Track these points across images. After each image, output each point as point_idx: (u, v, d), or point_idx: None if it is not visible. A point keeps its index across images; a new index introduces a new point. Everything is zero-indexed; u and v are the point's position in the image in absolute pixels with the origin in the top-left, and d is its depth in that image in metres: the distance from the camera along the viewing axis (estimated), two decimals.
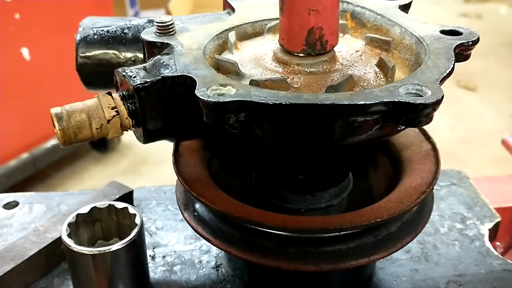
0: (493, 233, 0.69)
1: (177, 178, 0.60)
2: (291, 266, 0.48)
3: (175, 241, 0.66)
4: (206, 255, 0.64)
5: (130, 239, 0.53)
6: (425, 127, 0.41)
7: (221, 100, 0.42)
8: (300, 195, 0.55)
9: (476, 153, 2.50)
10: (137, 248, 0.54)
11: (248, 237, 0.50)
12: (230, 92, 0.43)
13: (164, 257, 0.64)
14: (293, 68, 0.50)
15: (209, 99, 0.42)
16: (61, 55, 2.45)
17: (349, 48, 0.54)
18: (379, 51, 0.53)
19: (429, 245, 0.65)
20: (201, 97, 0.42)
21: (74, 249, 0.52)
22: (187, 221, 0.54)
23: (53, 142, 2.51)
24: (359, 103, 0.41)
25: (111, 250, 0.52)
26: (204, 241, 0.65)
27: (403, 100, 0.40)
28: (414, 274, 0.61)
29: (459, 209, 0.71)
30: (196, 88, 0.44)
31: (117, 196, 0.68)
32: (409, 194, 0.51)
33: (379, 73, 0.50)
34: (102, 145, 2.85)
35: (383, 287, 0.59)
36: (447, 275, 0.61)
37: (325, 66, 0.51)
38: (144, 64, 0.49)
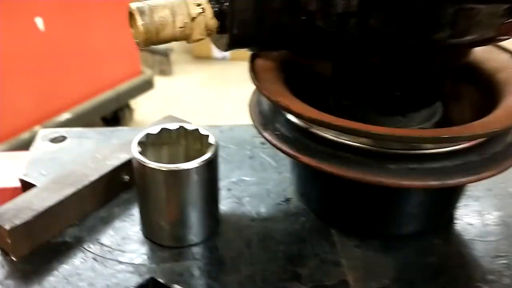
0: None
1: (251, 97, 0.56)
2: (394, 181, 0.44)
3: (238, 175, 0.62)
4: (274, 189, 0.60)
5: (208, 158, 0.48)
6: None
7: None
8: (390, 117, 0.50)
9: None
10: (213, 170, 0.50)
11: (342, 153, 0.46)
12: None
13: (229, 189, 0.59)
14: None
15: None
16: (77, 27, 2.41)
17: None
18: None
19: None
20: None
21: (148, 165, 0.47)
22: (268, 141, 0.50)
23: (66, 116, 2.47)
24: None
25: (188, 167, 0.47)
26: (269, 176, 0.62)
27: None
28: (500, 210, 0.57)
29: None
30: None
31: None
32: None
33: None
34: (114, 121, 2.81)
35: (471, 222, 0.55)
36: None
37: None
38: None
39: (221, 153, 0.65)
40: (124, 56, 2.69)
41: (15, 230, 0.48)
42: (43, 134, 0.68)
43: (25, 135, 2.29)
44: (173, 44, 3.62)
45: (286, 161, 0.64)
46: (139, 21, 0.42)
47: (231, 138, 0.69)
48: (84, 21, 2.42)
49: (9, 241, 0.48)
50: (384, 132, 0.42)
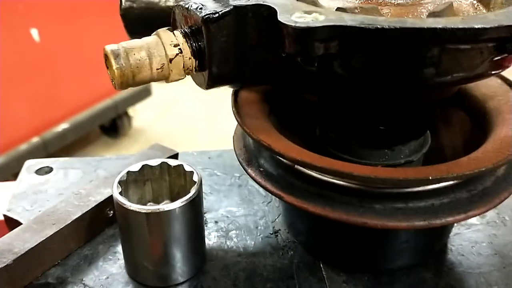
0: None
1: (234, 133, 0.55)
2: (379, 223, 0.42)
3: (225, 206, 0.61)
4: (262, 220, 0.58)
5: (191, 197, 0.47)
6: None
7: (311, 25, 0.36)
8: (377, 149, 0.49)
9: None
10: (197, 208, 0.49)
11: (326, 192, 0.45)
12: (318, 19, 0.37)
13: (216, 222, 0.58)
14: (378, 0, 0.44)
15: (296, 25, 0.36)
16: (72, 37, 2.40)
17: None
18: None
19: (504, 209, 0.60)
20: (286, 23, 0.36)
21: (129, 208, 0.46)
22: (252, 178, 0.49)
23: (64, 126, 2.46)
24: (476, 27, 0.35)
25: (170, 208, 0.46)
26: (257, 206, 0.61)
27: None
28: (493, 239, 0.56)
29: None
30: (278, 14, 0.38)
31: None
32: (508, 144, 0.45)
33: (477, 5, 0.44)
34: (113, 130, 2.80)
35: (463, 253, 0.54)
36: None
37: None
38: None
39: (209, 182, 0.64)
40: None
41: None
42: (29, 165, 0.67)
43: (23, 147, 2.28)
44: None
45: None
46: (114, 65, 0.41)
47: (219, 165, 0.68)
48: (79, 30, 2.41)
49: None
50: (368, 174, 0.40)
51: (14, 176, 2.37)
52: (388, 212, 0.43)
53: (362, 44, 0.38)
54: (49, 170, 0.66)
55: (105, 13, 2.53)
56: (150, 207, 0.46)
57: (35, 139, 2.30)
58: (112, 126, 2.75)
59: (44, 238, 0.50)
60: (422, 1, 0.44)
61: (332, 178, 0.45)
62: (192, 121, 2.99)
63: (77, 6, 2.37)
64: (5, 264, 0.48)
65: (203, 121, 2.98)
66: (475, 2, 0.44)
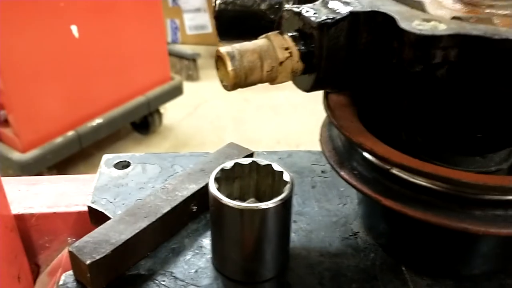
0: None
1: (320, 135, 0.56)
2: (481, 229, 0.43)
3: (302, 207, 0.62)
4: (340, 222, 0.59)
5: (285, 196, 0.48)
6: None
7: (436, 33, 0.37)
8: (470, 156, 0.50)
9: None
10: (288, 207, 0.50)
11: (424, 197, 0.45)
12: (438, 27, 0.38)
13: (295, 221, 0.59)
14: (485, 10, 0.45)
15: (421, 32, 0.37)
16: (109, 35, 2.44)
17: None
18: None
19: None
20: (410, 30, 0.37)
21: (226, 204, 0.48)
22: (346, 181, 0.49)
23: (98, 120, 2.50)
24: None
25: (266, 207, 0.47)
26: (334, 207, 0.62)
27: None
28: None
29: None
30: (399, 21, 0.39)
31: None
32: None
33: None
34: (143, 127, 2.84)
35: None
36: None
37: None
38: (320, 1, 0.45)
39: None
40: (155, 63, 2.72)
41: (95, 264, 0.49)
42: (107, 159, 0.69)
43: (59, 140, 2.32)
44: (200, 49, 3.63)
45: (349, 192, 0.64)
46: (230, 66, 0.43)
47: (291, 166, 0.69)
48: (116, 29, 2.45)
49: (88, 275, 0.49)
50: (476, 181, 0.41)
51: (48, 169, 2.40)
52: (489, 218, 0.44)
53: (480, 53, 0.38)
54: (126, 164, 0.68)
55: (142, 12, 2.56)
56: (248, 204, 0.48)
57: (70, 133, 2.35)
58: (143, 122, 2.79)
59: (138, 230, 0.52)
60: None
61: (430, 183, 0.45)
62: (219, 120, 3.01)
63: (116, 4, 2.41)
64: (105, 255, 0.49)
65: (231, 121, 3.00)
66: None
